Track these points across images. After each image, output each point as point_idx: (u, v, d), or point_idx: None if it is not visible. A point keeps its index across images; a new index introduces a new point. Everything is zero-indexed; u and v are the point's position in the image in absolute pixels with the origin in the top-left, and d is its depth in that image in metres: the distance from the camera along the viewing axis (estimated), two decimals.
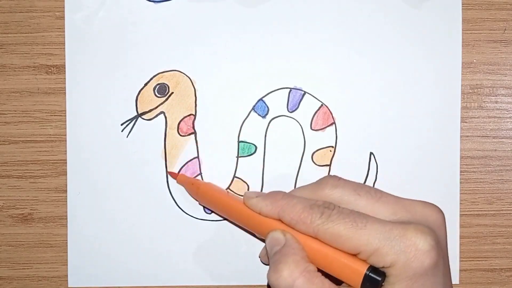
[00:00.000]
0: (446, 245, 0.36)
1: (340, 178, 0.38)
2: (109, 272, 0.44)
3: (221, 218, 0.44)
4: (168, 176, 0.44)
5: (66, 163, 0.44)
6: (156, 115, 0.44)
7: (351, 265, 0.34)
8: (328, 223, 0.35)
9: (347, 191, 0.37)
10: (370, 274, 0.34)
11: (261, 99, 0.44)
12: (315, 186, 0.38)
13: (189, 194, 0.44)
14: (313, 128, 0.44)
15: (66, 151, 0.44)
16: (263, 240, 0.38)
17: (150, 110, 0.44)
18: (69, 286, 0.45)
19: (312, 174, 0.44)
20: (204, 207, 0.44)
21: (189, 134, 0.44)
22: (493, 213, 0.45)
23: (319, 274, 0.35)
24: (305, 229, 0.35)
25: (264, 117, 0.44)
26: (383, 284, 0.34)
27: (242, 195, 0.40)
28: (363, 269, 0.34)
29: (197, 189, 0.43)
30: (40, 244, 0.45)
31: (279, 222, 0.37)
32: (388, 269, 0.33)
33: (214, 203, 0.42)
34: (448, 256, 0.36)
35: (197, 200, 0.44)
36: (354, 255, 0.34)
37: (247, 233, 0.44)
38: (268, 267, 0.36)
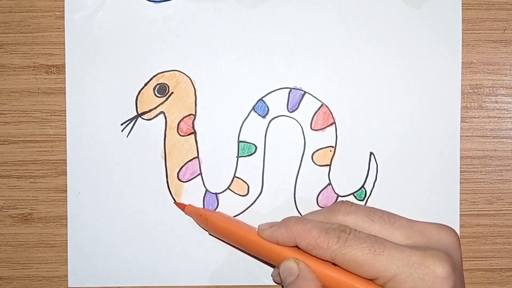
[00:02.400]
0: (461, 267, 0.36)
1: (352, 204, 0.38)
2: (109, 272, 0.44)
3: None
4: (168, 176, 0.44)
5: (66, 163, 0.44)
6: (156, 115, 0.44)
7: None
8: (346, 248, 0.35)
9: (360, 217, 0.37)
10: None
11: (261, 99, 0.44)
12: (328, 212, 0.38)
13: (198, 223, 0.44)
14: (313, 128, 0.44)
15: (66, 151, 0.44)
16: (273, 265, 0.38)
17: (150, 110, 0.44)
18: (69, 286, 0.45)
19: (312, 174, 0.44)
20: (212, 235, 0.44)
21: (189, 134, 0.44)
22: (493, 213, 0.45)
23: None
24: (321, 254, 0.36)
25: (264, 117, 0.44)
26: None
27: (249, 225, 0.41)
28: None
29: (206, 220, 0.42)
30: (40, 244, 0.45)
31: (292, 250, 0.37)
32: None
33: (224, 234, 0.42)
34: (463, 278, 0.36)
35: (206, 230, 0.43)
36: (370, 280, 0.34)
37: None
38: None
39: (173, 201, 0.44)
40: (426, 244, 0.35)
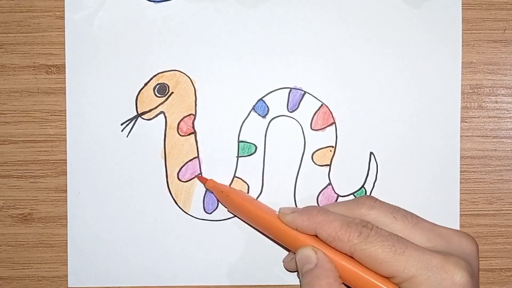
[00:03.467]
0: (478, 276, 0.36)
1: (376, 200, 0.38)
2: (109, 272, 0.44)
3: (222, 218, 0.44)
4: (168, 176, 0.44)
5: (66, 163, 0.44)
6: (156, 115, 0.44)
7: None
8: (367, 243, 0.35)
9: (383, 213, 0.37)
10: None
11: (261, 99, 0.44)
12: (351, 205, 0.38)
13: (218, 200, 0.44)
14: (313, 128, 0.44)
15: (66, 151, 0.44)
16: (287, 249, 0.38)
17: (150, 110, 0.44)
18: (69, 286, 0.45)
19: (312, 174, 0.44)
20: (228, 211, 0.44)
21: (189, 134, 0.44)
22: (493, 213, 0.45)
23: None
24: (341, 247, 0.35)
25: (264, 117, 0.44)
26: None
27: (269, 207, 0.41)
28: None
29: (226, 197, 0.42)
30: (40, 244, 0.45)
31: (311, 238, 0.37)
32: None
33: (244, 213, 0.42)
34: (479, 285, 0.36)
35: (225, 207, 0.43)
36: (387, 278, 0.34)
37: (246, 233, 0.44)
38: (285, 271, 0.36)
39: (198, 174, 0.44)
40: (446, 249, 0.35)
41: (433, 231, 0.36)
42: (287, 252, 0.44)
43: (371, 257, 0.34)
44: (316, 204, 0.44)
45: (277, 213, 0.39)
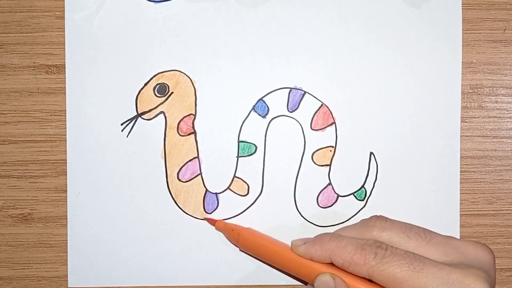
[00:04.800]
0: (495, 285, 0.36)
1: (387, 220, 0.37)
2: (109, 272, 0.44)
3: (221, 218, 0.44)
4: (168, 176, 0.44)
5: (66, 163, 0.44)
6: (156, 115, 0.44)
7: None
8: (384, 264, 0.34)
9: (396, 233, 0.36)
10: None
11: (261, 99, 0.44)
12: (362, 227, 0.38)
13: (228, 239, 0.44)
14: (313, 128, 0.44)
15: (66, 151, 0.44)
16: (304, 282, 0.38)
17: (150, 110, 0.44)
18: (69, 286, 0.45)
19: (312, 174, 0.44)
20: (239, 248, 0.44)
21: (189, 134, 0.44)
22: (493, 213, 0.45)
23: None
24: (358, 271, 0.35)
25: (264, 117, 0.44)
26: None
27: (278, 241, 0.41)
28: None
29: (238, 235, 0.42)
30: (40, 244, 0.45)
31: (327, 266, 0.37)
32: None
33: (257, 249, 0.42)
34: None
35: (236, 246, 0.43)
36: None
37: None
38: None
39: (204, 217, 0.44)
40: (463, 262, 0.35)
41: (448, 244, 0.36)
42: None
43: (390, 278, 0.34)
44: (316, 204, 0.44)
45: (289, 246, 0.39)
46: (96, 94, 0.44)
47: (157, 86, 0.44)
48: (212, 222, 0.44)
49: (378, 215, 0.38)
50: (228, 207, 0.44)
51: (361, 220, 0.39)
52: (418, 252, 0.35)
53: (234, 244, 0.44)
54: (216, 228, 0.44)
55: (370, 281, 0.36)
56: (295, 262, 0.38)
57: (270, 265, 0.43)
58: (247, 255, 0.44)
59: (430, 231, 0.37)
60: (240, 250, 0.43)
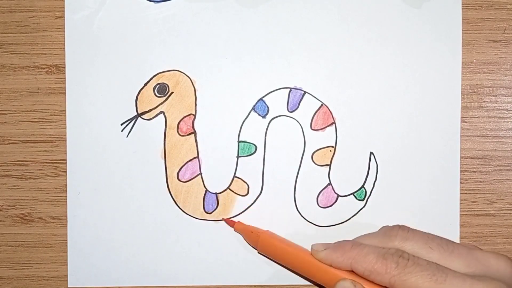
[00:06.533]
0: None
1: (409, 230, 0.37)
2: (109, 272, 0.44)
3: (221, 218, 0.44)
4: (168, 176, 0.44)
5: (66, 163, 0.44)
6: (156, 115, 0.44)
7: None
8: (406, 274, 0.34)
9: (418, 244, 0.36)
10: None
11: (261, 99, 0.44)
12: (383, 236, 0.38)
13: (246, 241, 0.44)
14: (313, 128, 0.44)
15: (66, 151, 0.44)
16: (321, 286, 0.38)
17: (150, 110, 0.44)
18: (69, 286, 0.45)
19: (312, 174, 0.44)
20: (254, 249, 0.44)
21: (189, 134, 0.44)
22: (493, 213, 0.45)
23: None
24: (379, 280, 0.35)
25: (264, 117, 0.44)
26: None
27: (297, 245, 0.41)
28: None
29: (257, 237, 0.42)
30: (40, 244, 0.45)
31: (347, 273, 0.37)
32: None
33: (275, 252, 0.41)
34: None
35: (255, 248, 0.43)
36: None
37: None
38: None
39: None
40: (485, 274, 0.35)
41: (470, 256, 0.36)
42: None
43: None
44: (316, 204, 0.44)
45: (309, 250, 0.39)
46: (96, 94, 0.44)
47: (157, 86, 0.44)
48: (231, 223, 0.44)
49: (400, 224, 0.38)
50: (228, 207, 0.44)
51: (383, 228, 0.39)
52: (440, 263, 0.35)
53: (252, 247, 0.43)
54: (235, 230, 0.44)
55: None
56: (314, 267, 0.38)
57: (289, 269, 0.43)
58: (247, 255, 0.44)
59: (453, 242, 0.37)
60: (259, 253, 0.43)
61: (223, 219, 0.44)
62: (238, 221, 0.44)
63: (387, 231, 0.38)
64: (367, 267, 0.36)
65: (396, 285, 0.35)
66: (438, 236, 0.37)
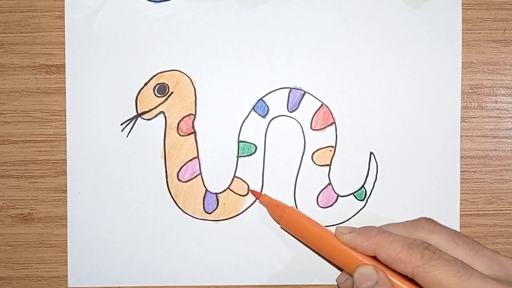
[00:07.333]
0: None
1: (436, 223, 0.38)
2: (109, 272, 0.44)
3: (222, 218, 0.44)
4: (168, 176, 0.44)
5: (66, 163, 0.44)
6: (156, 115, 0.44)
7: None
8: (430, 266, 0.34)
9: (444, 238, 0.36)
10: None
11: (261, 99, 0.44)
12: (410, 227, 0.38)
13: (271, 215, 0.43)
14: (313, 128, 0.44)
15: (66, 151, 0.44)
16: (339, 268, 0.38)
17: (150, 110, 0.44)
18: (69, 286, 0.45)
19: (312, 174, 0.44)
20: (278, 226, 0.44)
21: (189, 134, 0.44)
22: (493, 213, 0.45)
23: None
24: (402, 268, 0.35)
25: (264, 117, 0.44)
26: None
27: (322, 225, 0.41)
28: None
29: (282, 211, 0.42)
30: (39, 244, 0.45)
31: (369, 259, 0.37)
32: None
33: (299, 229, 0.41)
34: None
35: (278, 223, 0.43)
36: None
37: (246, 233, 0.44)
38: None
39: (248, 187, 0.44)
40: (507, 278, 0.35)
41: (493, 259, 0.36)
42: (286, 256, 0.44)
43: (435, 281, 0.34)
44: (316, 204, 0.44)
45: (333, 232, 0.39)
46: (96, 94, 0.44)
47: (157, 86, 0.44)
48: (257, 195, 0.44)
49: (427, 217, 0.38)
50: (228, 207, 0.44)
51: (410, 220, 0.38)
52: (464, 261, 0.35)
53: (275, 221, 0.43)
54: (260, 202, 0.44)
55: (411, 280, 0.36)
56: (337, 248, 0.38)
57: (310, 248, 0.43)
58: (246, 255, 0.44)
59: (478, 242, 0.37)
60: (281, 227, 0.43)
61: (249, 190, 0.44)
62: (264, 194, 0.44)
63: (414, 222, 0.38)
64: (391, 254, 0.35)
65: (418, 276, 0.34)
66: (464, 235, 0.38)
